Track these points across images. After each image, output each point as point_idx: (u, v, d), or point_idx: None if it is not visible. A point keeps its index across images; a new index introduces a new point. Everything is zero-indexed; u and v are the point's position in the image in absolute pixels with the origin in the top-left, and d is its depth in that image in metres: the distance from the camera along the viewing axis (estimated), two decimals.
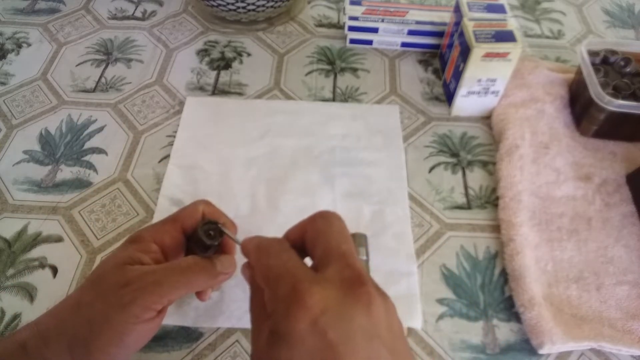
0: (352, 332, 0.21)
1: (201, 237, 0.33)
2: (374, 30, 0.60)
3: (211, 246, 0.34)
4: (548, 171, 0.48)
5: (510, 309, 0.41)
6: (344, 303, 0.22)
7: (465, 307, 0.41)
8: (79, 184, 0.48)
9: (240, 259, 0.37)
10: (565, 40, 0.64)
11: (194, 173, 0.49)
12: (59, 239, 0.44)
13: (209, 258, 0.34)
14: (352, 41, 0.62)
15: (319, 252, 0.25)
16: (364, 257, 0.29)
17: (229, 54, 0.61)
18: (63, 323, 0.29)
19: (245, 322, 0.39)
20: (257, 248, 0.27)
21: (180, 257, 0.35)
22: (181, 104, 0.55)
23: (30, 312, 0.40)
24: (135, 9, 0.67)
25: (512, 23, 0.49)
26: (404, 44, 0.61)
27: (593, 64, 0.50)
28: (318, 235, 0.26)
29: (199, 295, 0.37)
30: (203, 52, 0.61)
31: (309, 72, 0.59)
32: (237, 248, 0.36)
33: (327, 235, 0.26)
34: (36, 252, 0.43)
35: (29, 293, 0.41)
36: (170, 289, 0.30)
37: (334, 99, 0.56)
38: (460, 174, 0.50)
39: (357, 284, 0.23)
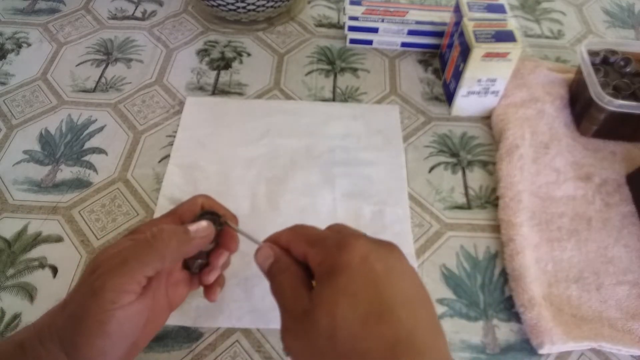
0: (391, 269, 0.26)
1: None
2: (374, 30, 0.60)
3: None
4: (548, 171, 0.48)
5: (510, 309, 0.41)
6: (381, 250, 0.27)
7: (465, 307, 0.41)
8: (79, 184, 0.48)
9: (244, 251, 0.37)
10: (565, 40, 0.64)
11: (194, 173, 0.49)
12: (59, 239, 0.44)
13: (179, 226, 0.32)
14: (352, 41, 0.62)
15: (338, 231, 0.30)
16: None
17: (229, 54, 0.61)
18: (53, 321, 0.29)
19: (245, 322, 0.39)
20: (290, 229, 0.31)
21: None
22: (181, 104, 0.55)
23: (30, 312, 0.40)
24: (135, 9, 0.67)
25: (512, 23, 0.49)
26: (404, 44, 0.61)
27: (593, 64, 0.50)
28: (333, 233, 0.30)
29: (207, 294, 0.36)
30: (203, 52, 0.61)
31: (309, 72, 0.59)
32: (238, 242, 0.36)
33: (340, 230, 0.30)
34: (36, 252, 0.43)
35: (29, 293, 0.41)
36: (139, 264, 0.29)
37: (334, 99, 0.56)
38: (460, 174, 0.50)
39: (386, 242, 0.28)
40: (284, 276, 0.29)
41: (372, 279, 0.25)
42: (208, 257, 0.36)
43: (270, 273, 0.29)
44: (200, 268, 0.36)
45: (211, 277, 0.35)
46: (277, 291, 0.28)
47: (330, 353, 0.24)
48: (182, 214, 0.34)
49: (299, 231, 0.30)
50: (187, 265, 0.35)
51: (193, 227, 0.32)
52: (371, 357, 0.23)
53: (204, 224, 0.33)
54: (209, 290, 0.36)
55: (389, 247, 0.28)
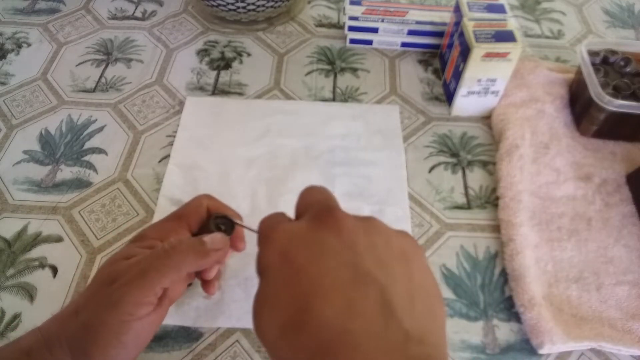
0: (322, 253, 0.21)
1: (213, 231, 0.33)
2: (374, 30, 0.60)
3: None
4: (548, 171, 0.48)
5: (510, 309, 0.41)
6: (310, 230, 0.23)
7: (465, 307, 0.41)
8: (79, 184, 0.48)
9: (245, 251, 0.37)
10: (565, 40, 0.64)
11: (194, 173, 0.49)
12: (59, 239, 0.44)
13: (197, 237, 0.32)
14: (352, 41, 0.62)
15: (300, 208, 0.26)
16: None
17: (229, 54, 0.61)
18: (63, 329, 0.28)
19: (246, 322, 0.39)
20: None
21: None
22: (181, 104, 0.55)
23: (30, 312, 0.40)
24: (135, 9, 0.67)
25: (512, 23, 0.49)
26: (404, 44, 0.61)
27: (593, 64, 0.50)
28: (300, 199, 0.27)
29: (206, 288, 0.36)
30: (203, 52, 0.61)
31: (309, 72, 0.59)
32: (247, 239, 0.36)
33: (306, 195, 0.26)
34: (36, 252, 0.43)
35: (29, 293, 0.41)
36: (158, 275, 0.29)
37: (334, 99, 0.56)
38: (460, 174, 0.50)
39: (323, 212, 0.23)
40: None
41: (290, 277, 0.21)
42: None
43: None
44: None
45: (212, 273, 0.35)
46: None
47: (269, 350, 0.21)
48: (189, 218, 0.34)
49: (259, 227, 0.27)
50: None
51: (208, 239, 0.32)
52: None
53: (218, 236, 0.33)
54: (208, 284, 0.36)
55: (320, 224, 0.23)
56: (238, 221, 0.35)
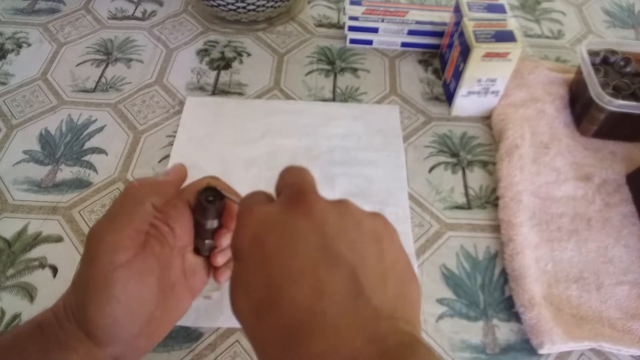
0: (292, 237, 0.21)
1: (201, 202, 0.32)
2: (374, 30, 0.60)
3: (208, 209, 0.32)
4: (548, 171, 0.48)
5: (510, 309, 0.41)
6: (282, 214, 0.23)
7: (465, 307, 0.41)
8: (79, 184, 0.48)
9: None
10: (565, 40, 0.64)
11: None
12: (59, 239, 0.44)
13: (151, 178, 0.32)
14: (352, 41, 0.62)
15: (278, 189, 0.26)
16: None
17: (229, 54, 0.61)
18: (67, 300, 0.29)
19: None
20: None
21: (189, 231, 0.33)
22: (181, 104, 0.55)
23: (30, 312, 0.40)
24: (135, 9, 0.67)
25: (512, 23, 0.49)
26: (404, 44, 0.61)
27: (593, 64, 0.50)
28: (279, 179, 0.27)
29: (216, 276, 0.35)
30: (203, 52, 0.61)
31: (309, 72, 0.59)
32: None
33: (284, 176, 0.26)
34: (36, 252, 0.43)
35: (29, 293, 0.41)
36: (125, 217, 0.28)
37: (334, 99, 0.56)
38: (460, 174, 0.50)
39: (295, 195, 0.23)
40: None
41: (261, 261, 0.22)
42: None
43: None
44: (209, 250, 0.35)
45: (220, 259, 0.34)
46: None
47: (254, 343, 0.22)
48: (188, 195, 0.33)
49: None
50: (197, 249, 0.35)
51: (166, 171, 0.32)
52: (265, 355, 0.20)
53: (180, 167, 0.33)
54: (218, 272, 0.35)
55: (291, 207, 0.23)
56: (226, 193, 0.34)
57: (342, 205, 0.24)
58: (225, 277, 0.35)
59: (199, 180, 0.35)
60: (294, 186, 0.24)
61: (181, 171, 0.35)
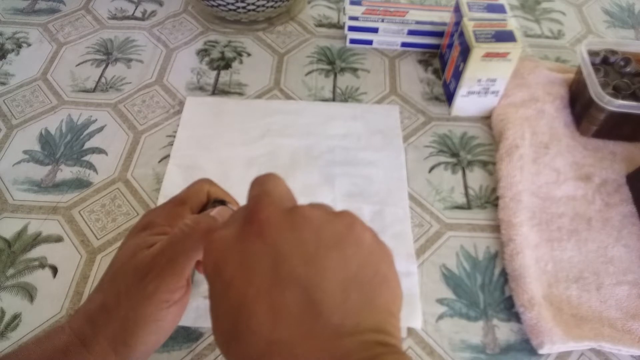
0: (247, 262, 0.21)
1: None
2: (374, 30, 0.60)
3: None
4: (548, 171, 0.48)
5: (510, 309, 0.41)
6: (237, 237, 0.22)
7: (465, 307, 0.41)
8: (79, 184, 0.48)
9: None
10: (565, 40, 0.64)
11: (194, 173, 0.49)
12: (59, 239, 0.44)
13: (205, 214, 0.33)
14: (352, 41, 0.62)
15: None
16: None
17: (229, 54, 0.61)
18: (96, 326, 0.29)
19: None
20: None
21: None
22: (181, 104, 0.55)
23: (30, 312, 0.40)
24: (135, 9, 0.67)
25: (512, 23, 0.49)
26: (404, 44, 0.61)
27: (593, 64, 0.50)
28: (248, 191, 0.25)
29: (200, 268, 0.35)
30: (203, 52, 0.61)
31: (309, 72, 0.59)
32: None
33: (250, 188, 0.25)
34: (36, 252, 0.43)
35: (29, 293, 0.41)
36: (186, 260, 0.30)
37: (334, 99, 0.56)
38: (460, 174, 0.50)
39: (250, 215, 0.22)
40: None
41: (221, 290, 0.21)
42: None
43: None
44: None
45: None
46: None
47: None
48: (191, 202, 0.34)
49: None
50: None
51: (216, 214, 0.32)
52: None
53: (222, 209, 0.34)
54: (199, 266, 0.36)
55: (245, 229, 0.22)
56: (234, 207, 0.35)
57: (298, 215, 0.22)
58: None
59: (197, 187, 0.35)
60: (251, 201, 0.23)
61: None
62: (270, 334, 0.19)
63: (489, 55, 0.47)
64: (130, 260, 0.30)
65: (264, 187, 0.24)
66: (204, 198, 0.35)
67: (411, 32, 0.60)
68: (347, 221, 0.22)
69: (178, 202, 0.34)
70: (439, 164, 0.50)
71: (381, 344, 0.19)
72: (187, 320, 0.39)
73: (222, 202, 0.35)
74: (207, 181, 0.36)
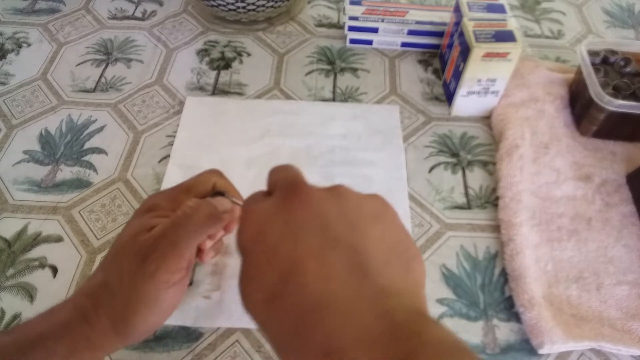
0: (293, 227, 0.22)
1: None
2: (374, 30, 0.60)
3: None
4: (548, 171, 0.48)
5: (510, 309, 0.41)
6: (280, 207, 0.23)
7: (465, 307, 0.41)
8: (79, 184, 0.48)
9: None
10: (565, 40, 0.64)
11: (194, 173, 0.48)
12: (59, 239, 0.44)
13: (206, 200, 0.33)
14: (352, 41, 0.62)
15: (269, 188, 0.27)
16: None
17: (229, 54, 0.61)
18: (98, 302, 0.30)
19: (246, 322, 0.39)
20: None
21: None
22: (181, 104, 0.55)
23: (30, 312, 0.40)
24: (135, 9, 0.67)
25: (512, 23, 0.49)
26: (404, 44, 0.61)
27: (593, 64, 0.50)
28: (268, 178, 0.27)
29: (200, 255, 0.36)
30: (203, 52, 0.61)
31: (309, 72, 0.59)
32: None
33: (273, 174, 0.27)
34: (36, 252, 0.43)
35: (29, 293, 0.41)
36: (187, 243, 0.30)
37: (334, 99, 0.56)
38: (460, 174, 0.50)
39: (290, 189, 0.24)
40: None
41: (266, 254, 0.22)
42: None
43: None
44: None
45: (208, 243, 0.37)
46: None
47: (272, 342, 0.22)
48: (196, 191, 0.35)
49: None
50: None
51: (219, 205, 0.33)
52: (280, 343, 0.21)
53: (223, 200, 0.34)
54: (202, 253, 0.37)
55: (288, 200, 0.24)
56: (234, 199, 0.35)
57: (337, 190, 0.24)
58: (209, 257, 0.37)
59: (205, 177, 0.36)
60: (287, 180, 0.25)
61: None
62: (321, 289, 0.20)
63: (489, 55, 0.47)
64: (132, 241, 0.31)
65: (290, 172, 0.26)
66: (209, 188, 0.35)
67: (411, 32, 0.60)
68: (381, 201, 0.25)
69: (183, 188, 0.35)
70: (439, 164, 0.50)
71: (419, 311, 0.20)
72: (187, 320, 0.39)
73: (222, 195, 0.35)
74: (215, 172, 0.37)
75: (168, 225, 0.31)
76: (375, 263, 0.21)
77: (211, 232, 0.34)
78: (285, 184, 0.25)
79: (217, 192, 0.35)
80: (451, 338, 0.18)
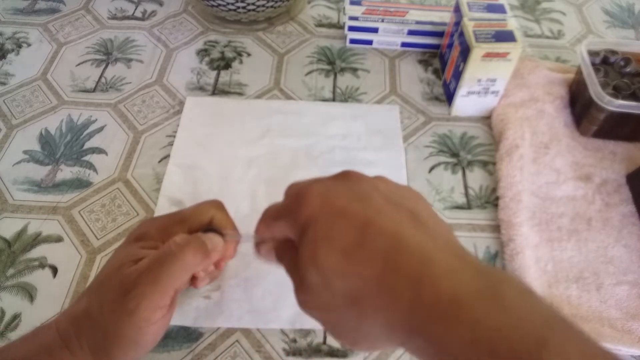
0: (358, 193, 0.25)
1: None
2: (374, 30, 0.60)
3: None
4: (548, 171, 0.48)
5: None
6: (339, 182, 0.26)
7: None
8: (79, 184, 0.48)
9: (244, 252, 0.37)
10: (565, 40, 0.64)
11: (194, 173, 0.49)
12: (59, 239, 0.44)
13: (196, 236, 0.32)
14: (352, 41, 0.62)
15: (290, 193, 0.28)
16: None
17: (229, 54, 0.61)
18: (80, 330, 0.29)
19: (246, 322, 0.39)
20: (260, 219, 0.30)
21: None
22: (181, 104, 0.55)
23: (30, 312, 0.40)
24: (135, 9, 0.67)
25: (512, 23, 0.49)
26: (404, 44, 0.61)
27: (593, 64, 0.50)
28: (289, 189, 0.28)
29: (194, 282, 0.36)
30: (203, 52, 0.61)
31: (309, 72, 0.59)
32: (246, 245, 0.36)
33: (295, 185, 0.28)
34: (36, 252, 0.43)
35: (29, 293, 0.41)
36: (170, 281, 0.30)
37: (334, 99, 0.56)
38: (460, 174, 0.50)
39: (341, 173, 0.27)
40: (284, 257, 0.28)
41: (338, 213, 0.24)
42: None
43: (278, 260, 0.30)
44: None
45: (202, 273, 0.36)
46: (287, 271, 0.28)
47: (335, 303, 0.24)
48: (191, 223, 0.34)
49: (266, 215, 0.29)
50: None
51: (208, 241, 0.32)
52: (365, 284, 0.23)
53: (215, 238, 0.33)
54: (196, 280, 0.36)
55: (343, 178, 0.27)
56: (229, 235, 0.34)
57: (379, 177, 0.27)
58: (203, 283, 0.37)
59: (203, 209, 0.35)
60: (337, 173, 0.27)
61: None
62: (399, 233, 0.23)
63: (489, 55, 0.47)
64: (117, 272, 0.30)
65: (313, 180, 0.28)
66: (205, 221, 0.35)
67: (411, 32, 0.60)
68: (412, 189, 0.28)
69: (178, 219, 0.34)
70: (439, 164, 0.50)
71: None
72: (187, 320, 0.39)
73: (217, 233, 0.34)
74: (215, 204, 0.36)
75: (152, 260, 0.30)
76: (429, 222, 0.24)
77: (197, 270, 0.34)
78: (332, 176, 0.27)
79: (211, 229, 0.34)
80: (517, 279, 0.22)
